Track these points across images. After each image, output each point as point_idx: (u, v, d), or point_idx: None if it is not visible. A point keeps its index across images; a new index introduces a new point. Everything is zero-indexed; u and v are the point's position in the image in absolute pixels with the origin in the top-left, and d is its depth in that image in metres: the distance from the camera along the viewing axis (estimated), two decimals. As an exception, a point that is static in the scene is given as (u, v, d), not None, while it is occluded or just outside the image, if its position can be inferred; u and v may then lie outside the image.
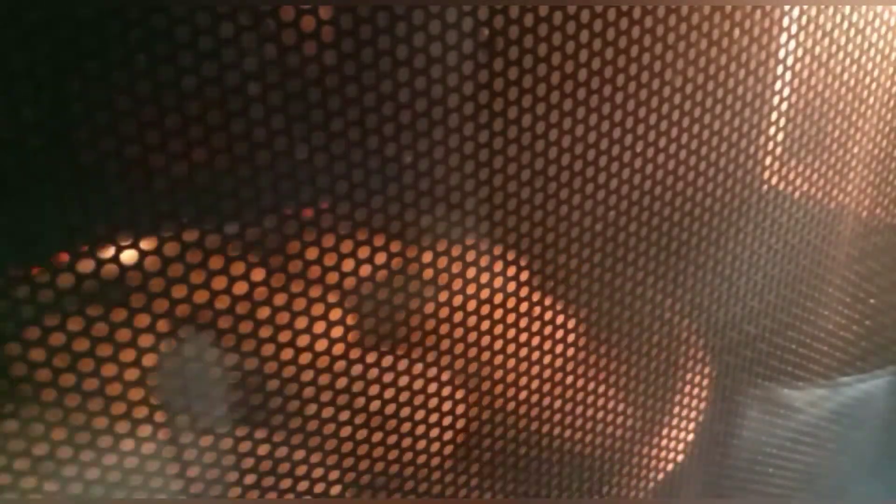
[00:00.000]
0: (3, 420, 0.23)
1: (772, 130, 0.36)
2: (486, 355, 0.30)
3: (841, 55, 0.37)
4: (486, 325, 0.30)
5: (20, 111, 0.21)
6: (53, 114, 0.21)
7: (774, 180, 0.37)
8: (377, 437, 0.29)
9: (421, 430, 0.30)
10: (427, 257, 0.27)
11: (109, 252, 0.23)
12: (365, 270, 0.26)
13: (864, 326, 0.47)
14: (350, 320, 0.27)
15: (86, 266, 0.23)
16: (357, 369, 0.28)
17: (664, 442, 0.38)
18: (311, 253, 0.25)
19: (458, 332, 0.29)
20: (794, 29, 0.34)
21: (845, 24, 0.36)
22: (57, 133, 0.21)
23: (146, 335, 0.24)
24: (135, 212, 0.23)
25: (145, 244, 0.23)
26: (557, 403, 0.34)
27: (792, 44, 0.35)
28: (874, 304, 0.47)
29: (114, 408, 0.24)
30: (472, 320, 0.30)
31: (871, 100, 0.40)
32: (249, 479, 0.27)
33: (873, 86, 0.39)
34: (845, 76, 0.38)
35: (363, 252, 0.26)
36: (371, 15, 0.23)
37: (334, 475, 0.29)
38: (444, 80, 0.25)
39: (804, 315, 0.42)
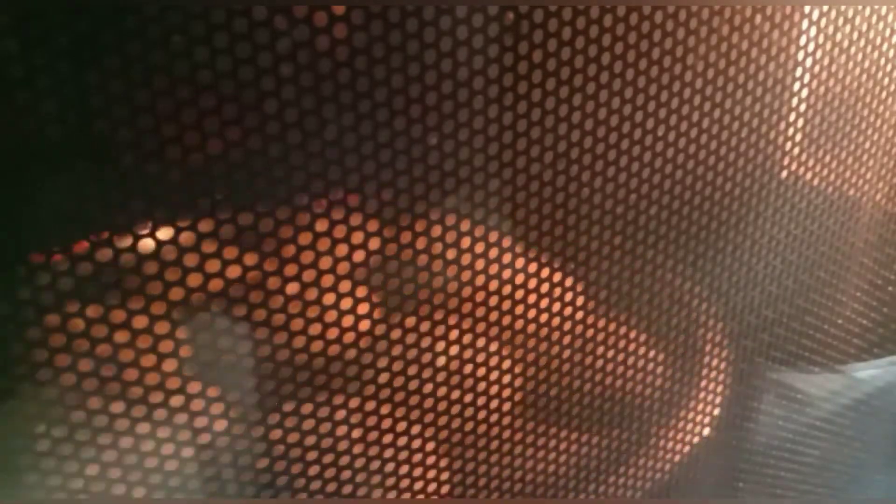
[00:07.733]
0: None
1: (792, 116, 0.36)
2: (505, 338, 0.31)
3: (862, 42, 0.37)
4: (507, 305, 0.30)
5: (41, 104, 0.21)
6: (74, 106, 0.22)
7: (794, 166, 0.37)
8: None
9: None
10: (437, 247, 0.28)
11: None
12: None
13: (882, 314, 0.47)
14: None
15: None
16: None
17: (682, 424, 0.38)
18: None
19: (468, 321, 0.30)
20: (815, 15, 0.35)
21: (867, 10, 0.36)
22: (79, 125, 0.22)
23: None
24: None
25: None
26: (579, 389, 0.34)
27: (813, 30, 0.35)
28: (892, 291, 0.47)
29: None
30: (489, 303, 0.30)
31: (892, 86, 0.40)
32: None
33: (894, 73, 0.39)
34: (866, 62, 0.38)
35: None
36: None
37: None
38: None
39: (822, 301, 0.42)
